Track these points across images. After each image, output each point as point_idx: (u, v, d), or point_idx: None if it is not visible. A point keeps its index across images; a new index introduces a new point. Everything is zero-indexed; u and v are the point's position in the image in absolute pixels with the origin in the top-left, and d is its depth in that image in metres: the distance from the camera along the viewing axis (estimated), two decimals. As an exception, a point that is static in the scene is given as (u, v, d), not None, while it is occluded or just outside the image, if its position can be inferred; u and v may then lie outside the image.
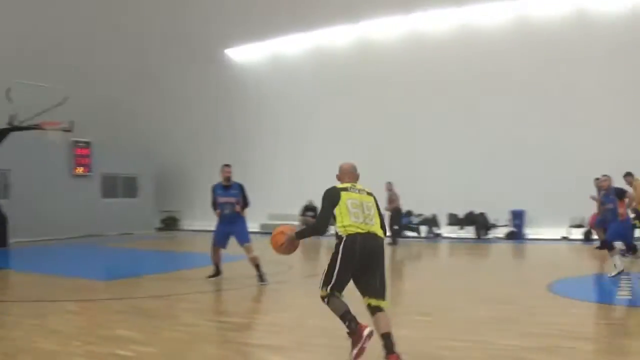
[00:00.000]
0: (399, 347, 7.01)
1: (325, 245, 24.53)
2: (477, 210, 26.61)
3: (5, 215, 23.40)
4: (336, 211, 7.44)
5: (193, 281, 14.95)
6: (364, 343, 7.09)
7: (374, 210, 7.55)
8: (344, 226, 7.31)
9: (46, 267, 17.36)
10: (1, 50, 27.44)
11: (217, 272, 14.81)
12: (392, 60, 26.86)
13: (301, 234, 8.03)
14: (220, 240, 14.88)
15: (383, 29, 27.35)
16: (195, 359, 7.52)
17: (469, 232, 27.05)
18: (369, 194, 7.75)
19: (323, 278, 7.57)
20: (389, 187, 24.16)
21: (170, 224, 34.23)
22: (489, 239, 26.13)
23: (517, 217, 25.99)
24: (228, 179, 15.14)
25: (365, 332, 7.14)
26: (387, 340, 7.05)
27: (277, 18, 28.74)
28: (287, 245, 8.11)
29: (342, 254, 7.35)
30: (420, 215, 27.38)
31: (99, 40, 30.82)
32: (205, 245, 24.04)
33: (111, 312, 10.79)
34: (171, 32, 31.10)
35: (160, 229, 34.03)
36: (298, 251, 18.66)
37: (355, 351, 7.11)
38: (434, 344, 8.13)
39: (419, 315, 10.01)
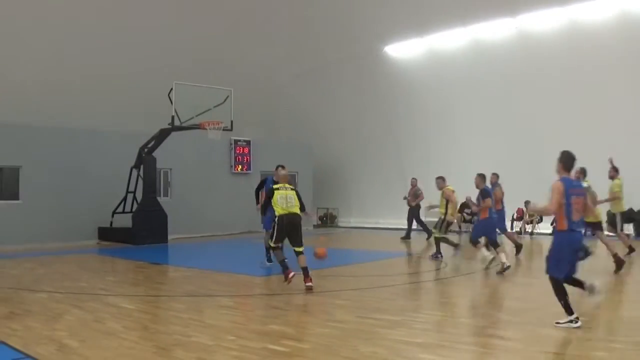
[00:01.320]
0: (555, 349, 7.30)
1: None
2: (637, 208, 25.58)
3: (165, 213, 24.26)
4: (272, 201, 13.19)
5: (347, 278, 15.05)
6: (290, 279, 12.65)
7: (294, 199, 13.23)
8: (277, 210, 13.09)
9: (204, 262, 17.86)
10: (167, 56, 28.50)
11: None
12: (551, 53, 26.09)
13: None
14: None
15: (541, 22, 26.56)
16: (345, 355, 7.55)
17: (627, 230, 26.01)
18: (292, 189, 13.50)
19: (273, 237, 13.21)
20: (414, 183, 23.80)
21: (327, 220, 34.62)
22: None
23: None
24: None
25: (290, 275, 12.68)
26: (305, 270, 12.79)
27: (435, 14, 28.47)
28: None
29: (277, 225, 13.07)
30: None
31: (258, 40, 31.43)
32: (361, 242, 24.30)
33: (265, 308, 11.04)
34: (331, 30, 31.35)
35: (317, 226, 34.44)
36: (451, 250, 18.40)
37: (286, 282, 12.69)
38: (589, 345, 7.91)
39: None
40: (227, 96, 23.36)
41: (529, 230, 27.23)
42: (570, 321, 8.58)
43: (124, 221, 24.45)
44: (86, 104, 27.31)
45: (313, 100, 35.03)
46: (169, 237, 24.36)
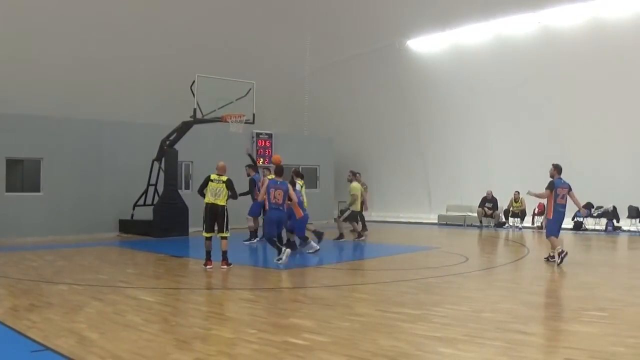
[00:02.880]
0: (576, 344, 7.19)
1: (503, 239, 24.17)
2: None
3: (186, 206, 24.29)
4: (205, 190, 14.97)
5: (368, 272, 15.04)
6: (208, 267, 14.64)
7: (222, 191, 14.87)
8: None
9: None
10: (189, 49, 28.54)
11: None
12: (574, 49, 25.85)
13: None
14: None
15: (564, 17, 26.30)
16: (365, 349, 7.52)
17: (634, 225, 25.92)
18: (223, 181, 14.94)
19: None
20: None
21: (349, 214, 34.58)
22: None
23: None
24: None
25: (209, 266, 14.62)
26: (224, 254, 14.76)
27: (458, 8, 28.31)
28: None
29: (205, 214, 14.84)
30: (600, 207, 26.33)
31: (278, 34, 31.41)
32: (382, 236, 24.26)
33: (286, 301, 11.02)
34: (353, 24, 31.26)
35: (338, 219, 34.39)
36: (475, 244, 18.49)
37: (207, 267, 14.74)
38: (609, 340, 7.82)
39: (595, 310, 9.67)
40: (250, 89, 23.35)
41: (550, 225, 27.05)
42: None
43: (145, 214, 24.53)
44: (108, 96, 27.40)
45: (335, 94, 34.97)
46: (190, 229, 24.41)
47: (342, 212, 22.61)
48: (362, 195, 22.56)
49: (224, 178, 15.07)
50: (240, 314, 9.87)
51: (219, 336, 8.26)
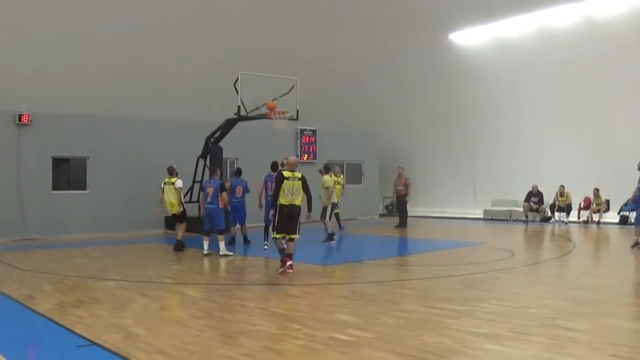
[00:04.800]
0: (623, 340, 7.28)
1: (549, 233, 23.97)
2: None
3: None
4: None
5: (413, 267, 14.99)
6: (286, 269, 13.29)
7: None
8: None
9: (269, 251, 17.88)
10: (232, 46, 28.64)
11: None
12: (617, 39, 25.52)
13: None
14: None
15: (607, 7, 25.98)
16: (411, 345, 7.49)
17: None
18: (299, 179, 13.66)
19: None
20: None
21: (393, 209, 34.50)
22: None
23: None
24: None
25: (288, 263, 13.33)
26: (290, 257, 13.44)
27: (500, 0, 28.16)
28: None
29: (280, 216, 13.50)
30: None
31: (322, 29, 31.40)
32: (427, 231, 24.18)
33: (331, 297, 11.03)
34: (395, 18, 31.15)
35: (383, 215, 34.36)
36: (520, 239, 18.45)
37: (280, 270, 13.33)
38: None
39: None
40: (293, 85, 23.32)
41: (596, 220, 26.77)
42: None
43: (191, 210, 24.66)
44: (153, 95, 27.62)
45: (379, 89, 34.92)
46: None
47: (324, 210, 21.84)
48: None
49: (299, 175, 13.77)
50: (286, 309, 9.91)
51: (264, 331, 8.28)
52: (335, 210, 22.64)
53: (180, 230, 18.15)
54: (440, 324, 8.64)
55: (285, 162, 18.56)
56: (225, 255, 16.64)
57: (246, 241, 19.44)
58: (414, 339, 7.76)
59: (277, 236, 13.70)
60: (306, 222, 14.74)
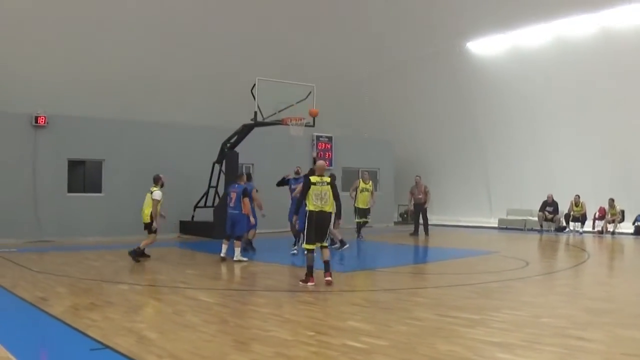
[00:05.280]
0: (633, 350, 7.22)
1: (563, 243, 23.89)
2: None
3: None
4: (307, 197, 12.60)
5: (427, 275, 14.97)
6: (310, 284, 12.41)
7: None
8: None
9: (284, 257, 17.93)
10: (250, 52, 28.70)
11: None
12: (634, 51, 25.41)
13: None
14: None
15: (624, 18, 25.89)
16: (424, 353, 7.48)
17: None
18: (327, 183, 12.76)
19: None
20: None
21: (408, 217, 34.44)
22: None
23: None
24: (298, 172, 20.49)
25: (311, 283, 12.46)
26: (328, 265, 12.59)
27: (518, 9, 28.07)
28: None
29: (309, 223, 12.64)
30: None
31: (339, 36, 31.43)
32: (441, 240, 24.14)
33: (345, 304, 10.99)
34: (412, 26, 31.16)
35: (398, 223, 34.33)
36: (535, 248, 18.43)
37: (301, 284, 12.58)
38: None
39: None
40: (310, 92, 23.35)
41: (611, 230, 26.67)
42: None
43: (206, 215, 24.71)
44: (170, 99, 27.71)
45: (395, 96, 34.93)
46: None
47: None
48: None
49: (327, 179, 12.95)
50: (299, 316, 9.90)
51: (277, 338, 8.27)
52: (364, 219, 22.83)
53: (146, 240, 17.14)
54: (453, 333, 8.61)
55: (299, 170, 18.84)
56: (240, 261, 16.63)
57: (251, 248, 19.23)
58: (427, 347, 7.75)
59: (309, 247, 12.77)
60: (336, 229, 14.68)
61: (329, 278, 12.52)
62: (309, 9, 29.79)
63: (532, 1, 27.44)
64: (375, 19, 31.29)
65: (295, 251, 18.31)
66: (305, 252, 12.88)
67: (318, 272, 12.68)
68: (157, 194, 17.04)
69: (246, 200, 17.09)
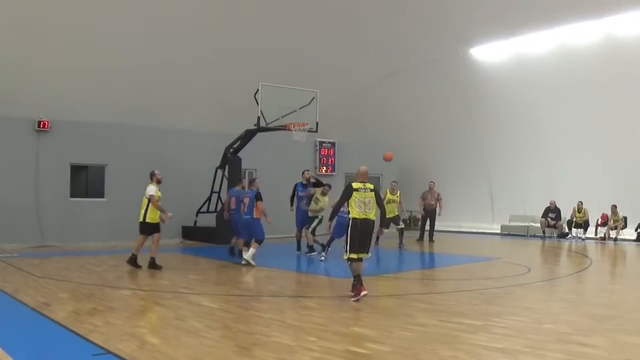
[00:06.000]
0: (635, 356, 7.40)
1: (566, 249, 23.88)
2: None
3: (250, 213, 24.36)
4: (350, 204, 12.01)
5: (429, 281, 14.97)
6: (360, 298, 11.60)
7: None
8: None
9: (287, 263, 17.93)
10: (253, 57, 28.68)
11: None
12: (638, 58, 25.42)
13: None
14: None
15: (628, 25, 25.88)
16: (426, 359, 7.49)
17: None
18: (371, 190, 12.11)
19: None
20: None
21: (411, 223, 34.37)
22: None
23: None
24: (308, 179, 21.04)
25: (363, 293, 11.64)
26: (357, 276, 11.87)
27: (522, 16, 28.07)
28: None
29: (352, 231, 11.92)
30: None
31: (342, 42, 31.43)
32: (444, 246, 24.11)
33: (347, 309, 10.99)
34: (416, 32, 31.17)
35: (401, 229, 34.27)
36: (537, 254, 18.43)
37: (353, 293, 11.75)
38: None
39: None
40: (313, 97, 23.39)
41: (613, 236, 26.65)
42: None
43: (208, 221, 24.72)
44: (173, 104, 27.68)
45: (398, 103, 34.88)
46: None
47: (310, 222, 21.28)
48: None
49: (371, 186, 12.31)
50: (302, 321, 9.87)
51: (279, 343, 8.27)
52: (399, 227, 22.92)
53: (152, 245, 16.78)
54: (456, 339, 8.61)
55: (308, 176, 18.93)
56: (248, 264, 16.65)
57: (235, 254, 19.04)
58: (430, 353, 7.75)
59: (353, 257, 12.03)
60: (380, 235, 14.70)
61: (365, 292, 11.76)
62: (313, 15, 29.76)
63: (535, 8, 27.40)
64: (378, 25, 31.27)
65: (323, 257, 18.53)
66: (349, 262, 12.08)
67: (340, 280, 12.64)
68: (149, 189, 16.65)
69: (259, 204, 17.11)
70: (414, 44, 31.62)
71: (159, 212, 16.59)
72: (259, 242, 17.15)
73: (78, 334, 8.66)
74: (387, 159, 16.09)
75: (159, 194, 16.66)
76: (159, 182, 16.84)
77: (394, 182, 24.25)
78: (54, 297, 11.73)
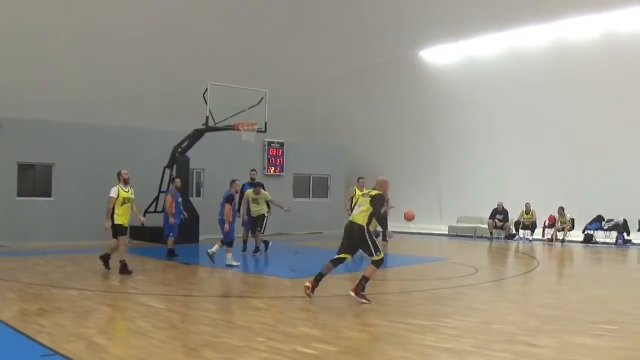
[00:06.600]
0: (586, 357, 7.51)
1: (513, 250, 24.11)
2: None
3: (197, 213, 24.25)
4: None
5: (378, 282, 14.99)
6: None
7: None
8: None
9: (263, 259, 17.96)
10: (202, 56, 28.58)
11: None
12: (588, 61, 25.81)
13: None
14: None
15: (579, 29, 26.31)
16: (375, 359, 7.52)
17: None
18: (370, 196, 12.00)
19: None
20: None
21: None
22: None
23: None
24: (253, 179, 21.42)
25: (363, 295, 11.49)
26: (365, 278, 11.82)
27: (472, 18, 28.36)
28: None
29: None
30: (610, 220, 26.24)
31: (291, 42, 31.45)
32: (392, 246, 24.20)
33: (295, 310, 11.00)
34: (367, 33, 31.30)
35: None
36: (485, 255, 18.61)
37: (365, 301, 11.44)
38: (618, 354, 7.92)
39: (604, 323, 9.67)
40: (262, 97, 23.36)
41: (560, 238, 26.98)
42: None
43: (156, 220, 24.52)
44: (121, 103, 27.43)
45: (348, 104, 35.00)
46: (200, 237, 24.36)
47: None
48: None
49: (374, 192, 12.21)
50: (250, 322, 9.84)
51: (227, 344, 8.25)
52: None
53: (119, 248, 16.27)
54: (404, 339, 8.66)
55: (253, 174, 19.00)
56: (231, 266, 16.93)
57: (174, 255, 19.06)
58: (379, 353, 7.80)
59: (338, 257, 12.33)
60: (390, 238, 14.75)
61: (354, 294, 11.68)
62: (263, 15, 29.77)
63: (485, 11, 27.73)
64: (329, 25, 31.37)
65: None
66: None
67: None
68: (112, 190, 16.42)
69: (227, 205, 17.14)
70: (364, 45, 31.77)
71: (128, 214, 16.22)
72: (226, 243, 17.21)
73: (25, 334, 8.56)
74: (409, 219, 15.82)
75: (128, 194, 16.26)
76: (125, 182, 16.46)
77: (360, 177, 23.62)
78: (0, 297, 11.56)
